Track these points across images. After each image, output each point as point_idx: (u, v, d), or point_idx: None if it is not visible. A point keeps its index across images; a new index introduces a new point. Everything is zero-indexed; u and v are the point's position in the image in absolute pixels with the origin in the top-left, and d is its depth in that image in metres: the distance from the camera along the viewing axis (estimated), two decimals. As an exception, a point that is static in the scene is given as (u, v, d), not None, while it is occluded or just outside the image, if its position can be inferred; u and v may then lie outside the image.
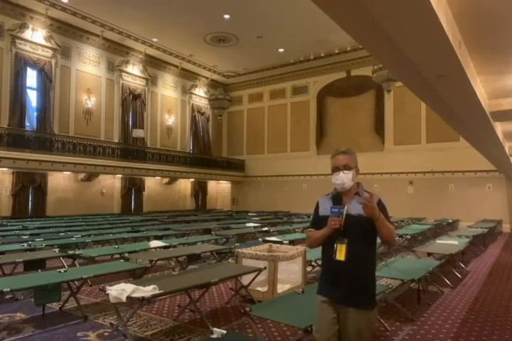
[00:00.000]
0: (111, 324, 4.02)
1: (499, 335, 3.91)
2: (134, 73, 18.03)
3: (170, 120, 20.00)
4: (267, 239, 7.83)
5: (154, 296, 3.61)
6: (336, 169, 2.26)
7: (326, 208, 2.27)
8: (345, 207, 2.17)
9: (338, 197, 2.26)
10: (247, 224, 11.42)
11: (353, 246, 2.14)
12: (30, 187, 14.01)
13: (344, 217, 2.15)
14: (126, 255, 6.19)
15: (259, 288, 4.91)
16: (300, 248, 5.46)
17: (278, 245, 5.92)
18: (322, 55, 18.23)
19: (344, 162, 2.25)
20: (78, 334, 3.80)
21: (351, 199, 2.23)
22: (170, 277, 4.61)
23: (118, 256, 6.57)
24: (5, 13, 13.55)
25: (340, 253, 2.13)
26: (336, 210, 2.15)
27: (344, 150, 2.31)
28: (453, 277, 6.41)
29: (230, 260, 7.23)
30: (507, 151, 10.56)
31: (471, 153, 12.64)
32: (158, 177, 18.52)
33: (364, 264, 2.21)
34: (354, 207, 2.18)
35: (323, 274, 2.34)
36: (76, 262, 6.61)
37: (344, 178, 2.22)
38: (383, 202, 2.26)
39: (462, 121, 6.43)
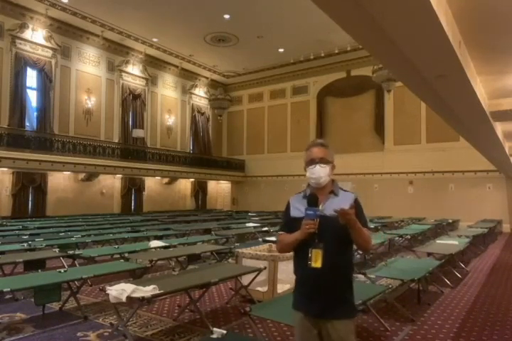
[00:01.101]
0: (111, 324, 4.02)
1: (499, 335, 3.91)
2: (134, 73, 18.03)
3: (170, 120, 20.00)
4: (267, 239, 7.81)
5: (154, 296, 3.60)
6: (311, 162, 2.05)
7: (298, 208, 2.06)
8: (320, 208, 1.97)
9: (313, 197, 1.99)
10: (247, 224, 11.41)
11: (329, 250, 1.92)
12: (30, 187, 14.01)
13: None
14: (126, 255, 6.20)
15: (259, 288, 4.91)
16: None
17: (278, 245, 5.90)
18: (322, 55, 18.23)
19: (321, 154, 2.05)
20: (78, 334, 3.79)
21: (326, 199, 2.03)
22: (170, 277, 4.61)
23: (118, 256, 6.57)
24: (5, 13, 13.56)
25: (316, 259, 1.90)
26: (311, 213, 1.91)
27: (321, 142, 2.11)
28: (453, 277, 6.41)
29: (230, 260, 7.23)
30: (507, 151, 10.55)
31: (471, 153, 12.64)
32: (158, 177, 18.52)
33: (342, 270, 2.01)
34: (329, 207, 1.96)
35: (297, 284, 2.09)
36: (76, 262, 6.61)
37: (320, 172, 2.02)
38: (360, 201, 2.05)
39: (462, 121, 6.43)
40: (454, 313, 4.62)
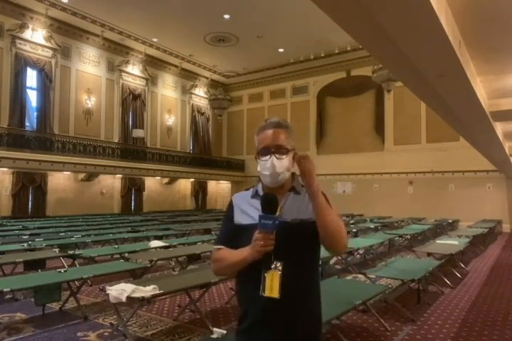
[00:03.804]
0: (111, 324, 4.02)
1: (499, 335, 3.91)
2: (134, 73, 18.02)
3: (170, 120, 19.99)
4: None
5: (154, 296, 3.61)
6: (264, 151, 1.42)
7: (245, 212, 1.48)
8: (277, 214, 1.36)
9: (270, 199, 1.35)
10: (247, 224, 11.40)
11: (290, 272, 1.33)
12: (30, 187, 13.99)
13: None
14: (126, 255, 6.21)
15: (259, 288, 4.90)
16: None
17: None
18: (322, 55, 18.22)
19: (278, 140, 1.41)
20: (78, 334, 3.79)
21: (284, 199, 1.44)
22: (170, 277, 4.62)
23: (118, 256, 6.58)
24: (5, 13, 13.55)
25: (272, 285, 1.30)
26: (269, 222, 1.30)
27: (278, 122, 1.46)
28: (453, 277, 6.41)
29: (230, 260, 7.22)
30: (507, 151, 10.56)
31: (471, 153, 12.62)
32: (158, 177, 18.51)
33: (309, 299, 1.42)
34: (290, 210, 1.40)
35: (241, 323, 1.45)
36: (76, 262, 6.61)
37: (277, 167, 1.40)
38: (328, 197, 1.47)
39: (462, 121, 6.43)
40: (454, 313, 4.62)
